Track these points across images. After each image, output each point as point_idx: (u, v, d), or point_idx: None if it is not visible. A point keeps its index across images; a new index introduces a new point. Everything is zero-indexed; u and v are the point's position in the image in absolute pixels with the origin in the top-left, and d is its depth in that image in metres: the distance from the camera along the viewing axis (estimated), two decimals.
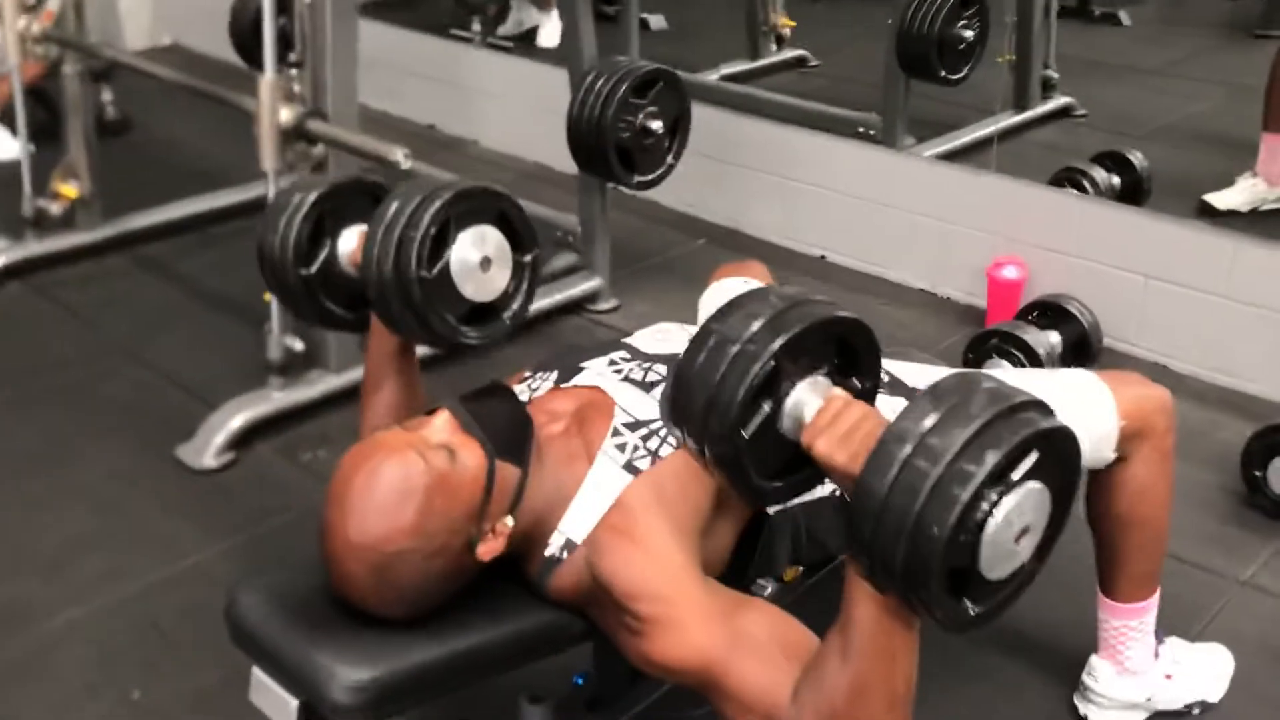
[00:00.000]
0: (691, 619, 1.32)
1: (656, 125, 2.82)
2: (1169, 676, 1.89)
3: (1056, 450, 1.13)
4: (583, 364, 1.59)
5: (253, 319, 2.98)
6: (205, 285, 3.37)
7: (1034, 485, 1.11)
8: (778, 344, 1.18)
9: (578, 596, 1.42)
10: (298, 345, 2.65)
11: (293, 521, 2.41)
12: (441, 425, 1.36)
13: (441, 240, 1.57)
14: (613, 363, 1.58)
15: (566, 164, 3.12)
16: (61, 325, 3.18)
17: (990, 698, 1.98)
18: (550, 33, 4.78)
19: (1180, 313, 2.91)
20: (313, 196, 1.68)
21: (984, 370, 1.19)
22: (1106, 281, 2.97)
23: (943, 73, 3.42)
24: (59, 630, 2.13)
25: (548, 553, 1.41)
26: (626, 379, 1.55)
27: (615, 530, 1.38)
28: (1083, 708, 1.92)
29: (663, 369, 1.56)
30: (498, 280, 1.63)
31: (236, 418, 2.60)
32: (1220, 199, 3.36)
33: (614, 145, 2.82)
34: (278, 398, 2.66)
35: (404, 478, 1.30)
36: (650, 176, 2.92)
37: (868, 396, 1.28)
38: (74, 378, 2.92)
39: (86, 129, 3.34)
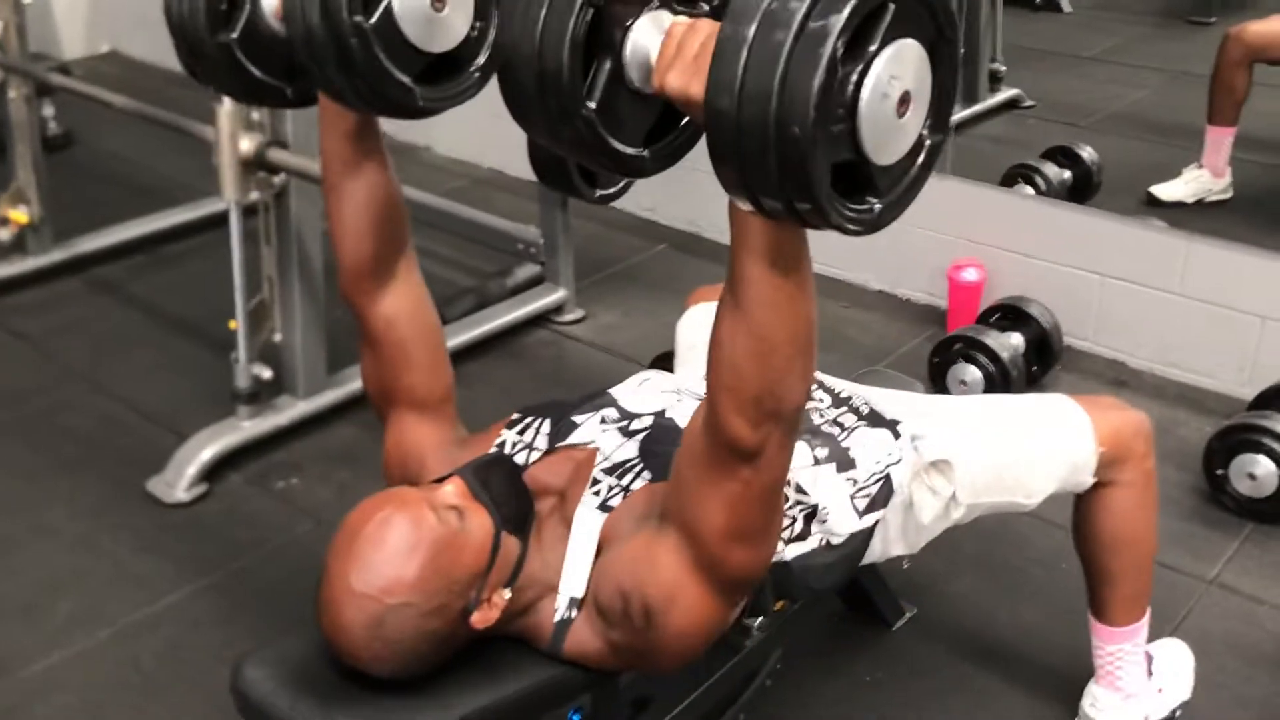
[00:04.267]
0: (649, 549, 1.34)
1: None
2: (1160, 690, 1.93)
3: None
4: (576, 419, 1.60)
5: (213, 342, 2.95)
6: (162, 308, 3.33)
7: (904, 42, 0.99)
8: None
9: (596, 648, 1.42)
10: (266, 373, 2.63)
11: (270, 554, 2.40)
12: (453, 490, 1.37)
13: None
14: (603, 420, 1.59)
15: (522, 169, 3.08)
16: (18, 355, 3.12)
17: None
18: None
19: (1136, 310, 2.97)
20: None
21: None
22: (1063, 281, 3.02)
23: None
24: (39, 678, 2.10)
25: (557, 618, 1.42)
26: (613, 431, 1.57)
27: (602, 561, 1.41)
28: None
29: (648, 421, 1.58)
30: (457, 21, 1.34)
31: (207, 449, 2.58)
32: (1166, 190, 3.43)
33: (575, 161, 2.80)
34: (247, 427, 2.64)
35: (414, 530, 1.31)
36: (612, 190, 2.89)
37: (718, 14, 1.11)
38: (34, 409, 2.88)
39: (35, 152, 3.28)
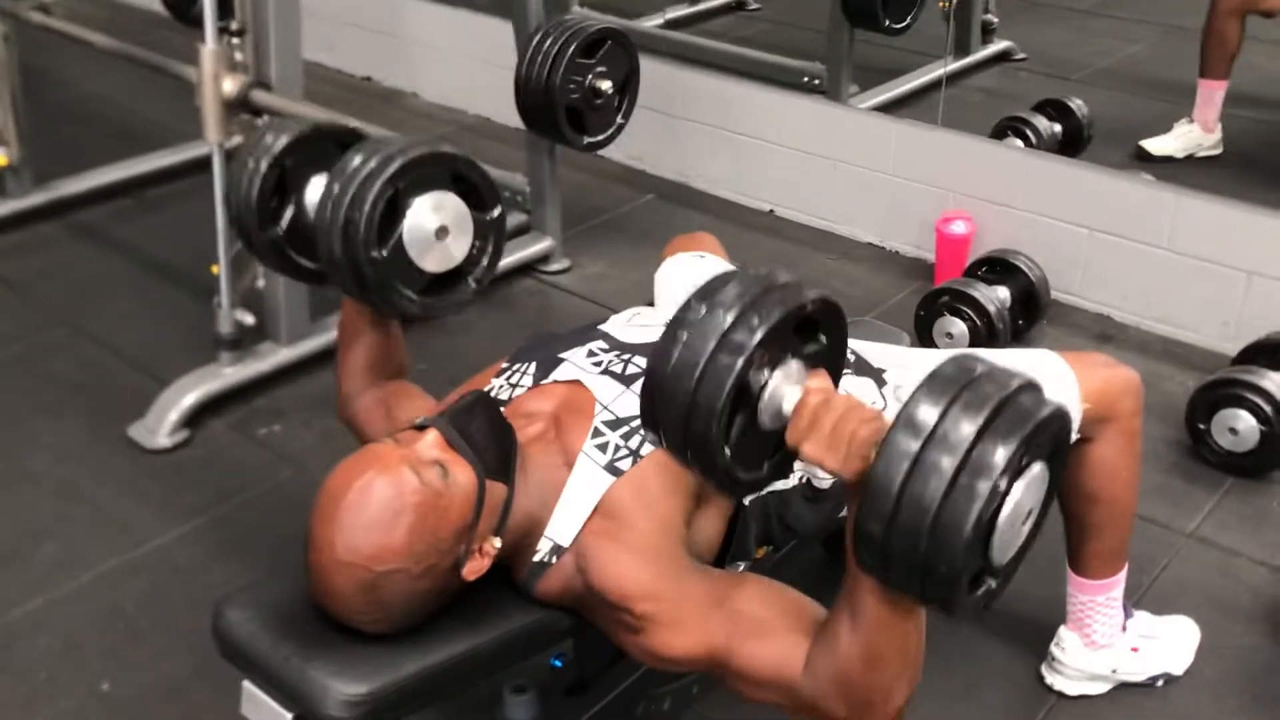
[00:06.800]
0: (688, 610, 1.34)
1: (606, 85, 2.79)
2: (1135, 649, 1.94)
3: (1051, 429, 1.11)
4: (561, 355, 1.58)
5: (196, 287, 2.93)
6: (145, 252, 3.30)
7: (1036, 469, 1.10)
8: (750, 348, 1.13)
9: (566, 599, 1.42)
10: (248, 319, 2.61)
11: (252, 500, 2.39)
12: (432, 443, 1.34)
13: (393, 214, 1.49)
14: (591, 354, 1.57)
15: (509, 117, 3.08)
16: None
17: (958, 663, 2.03)
18: None
19: (1123, 264, 2.96)
20: (268, 159, 1.60)
21: (974, 353, 1.17)
22: (1052, 234, 3.01)
23: (887, 22, 3.41)
24: (20, 621, 2.10)
25: (536, 558, 1.41)
26: (606, 372, 1.54)
27: (601, 535, 1.39)
28: (1049, 677, 1.96)
29: (642, 361, 1.55)
30: (458, 247, 1.56)
31: (189, 395, 2.56)
32: (1156, 145, 3.42)
33: (563, 107, 2.78)
34: (229, 373, 2.62)
35: (397, 495, 1.29)
36: (600, 137, 2.89)
37: (833, 354, 1.26)
38: (15, 354, 2.85)
39: (14, 91, 3.22)
